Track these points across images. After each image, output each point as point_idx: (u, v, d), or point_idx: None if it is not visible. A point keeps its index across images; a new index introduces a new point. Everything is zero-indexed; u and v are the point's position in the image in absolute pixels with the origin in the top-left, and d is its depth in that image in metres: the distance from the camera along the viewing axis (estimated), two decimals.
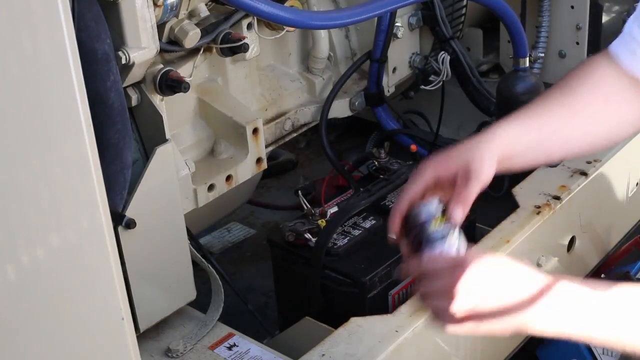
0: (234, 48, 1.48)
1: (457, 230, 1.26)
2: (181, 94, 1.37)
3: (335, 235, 1.53)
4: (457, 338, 1.51)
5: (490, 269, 1.19)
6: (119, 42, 1.26)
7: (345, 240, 1.52)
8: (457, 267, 1.18)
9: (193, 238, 1.48)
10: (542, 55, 2.05)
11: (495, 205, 1.80)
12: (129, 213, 1.29)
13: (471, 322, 1.17)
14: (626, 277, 1.84)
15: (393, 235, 1.30)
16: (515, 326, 1.17)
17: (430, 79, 1.95)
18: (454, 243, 1.24)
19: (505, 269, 1.19)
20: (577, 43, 2.03)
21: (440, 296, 1.18)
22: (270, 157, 1.93)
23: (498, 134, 1.40)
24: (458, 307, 1.16)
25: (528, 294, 1.17)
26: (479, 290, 1.16)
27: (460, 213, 1.32)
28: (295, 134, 1.79)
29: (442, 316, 1.19)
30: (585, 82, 1.42)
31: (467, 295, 1.16)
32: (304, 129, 1.80)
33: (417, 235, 1.24)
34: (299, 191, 1.73)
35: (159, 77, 1.35)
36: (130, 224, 1.28)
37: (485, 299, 1.16)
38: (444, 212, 1.27)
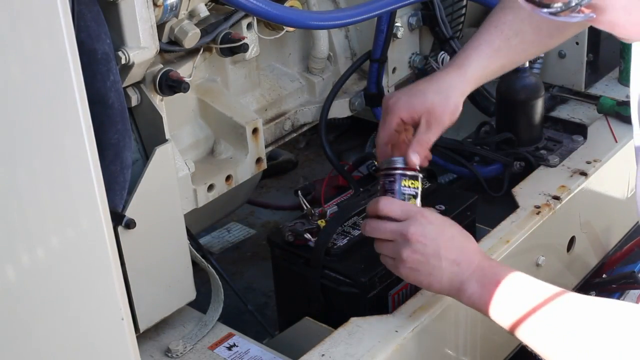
0: (233, 48, 1.48)
1: (419, 198, 1.42)
2: (181, 94, 1.37)
3: (335, 235, 1.52)
4: (457, 338, 1.51)
5: (443, 225, 1.33)
6: (119, 42, 1.26)
7: (345, 240, 1.52)
8: (410, 215, 1.33)
9: (193, 238, 1.48)
10: (542, 55, 2.05)
11: (495, 205, 1.81)
12: (129, 213, 1.29)
13: (413, 268, 1.33)
14: (631, 277, 1.84)
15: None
16: (450, 284, 1.31)
17: None
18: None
19: (455, 230, 1.35)
20: (577, 43, 2.03)
21: (392, 240, 1.34)
22: (270, 157, 1.93)
23: (469, 70, 1.52)
24: (406, 254, 1.32)
25: (472, 261, 1.30)
26: (428, 241, 1.31)
27: (417, 159, 1.45)
28: (295, 134, 1.79)
29: (393, 260, 1.35)
30: None
31: (416, 243, 1.31)
32: (304, 129, 1.80)
33: (385, 185, 1.41)
34: (299, 191, 1.73)
35: (158, 77, 1.35)
36: (130, 224, 1.28)
37: (432, 249, 1.31)
38: (414, 177, 1.41)
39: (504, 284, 1.27)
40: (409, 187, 1.41)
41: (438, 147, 1.91)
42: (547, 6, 1.09)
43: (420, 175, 1.42)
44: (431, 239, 1.32)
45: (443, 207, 1.61)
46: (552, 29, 1.56)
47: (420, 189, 1.42)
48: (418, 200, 1.43)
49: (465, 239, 1.35)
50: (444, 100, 1.48)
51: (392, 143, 1.52)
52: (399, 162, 1.43)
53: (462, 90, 1.52)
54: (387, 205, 1.37)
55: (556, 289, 1.26)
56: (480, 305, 1.30)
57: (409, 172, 1.41)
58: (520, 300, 1.26)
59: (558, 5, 1.07)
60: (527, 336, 1.25)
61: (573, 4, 1.06)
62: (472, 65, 1.53)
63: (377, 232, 1.37)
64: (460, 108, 1.51)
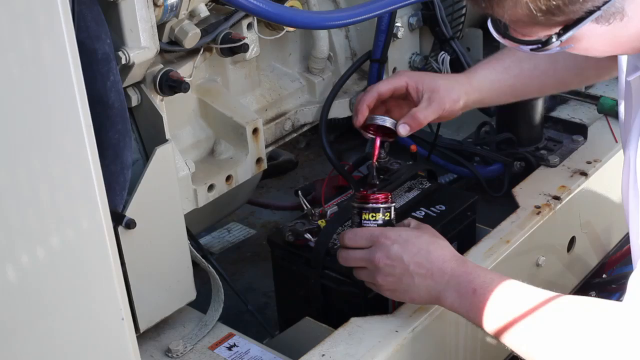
0: (234, 48, 1.48)
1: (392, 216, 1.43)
2: (181, 94, 1.37)
3: (335, 235, 1.53)
4: (457, 338, 1.51)
5: (407, 242, 1.35)
6: (119, 42, 1.26)
7: None
8: (373, 240, 1.36)
9: (193, 238, 1.48)
10: None
11: (495, 205, 1.81)
12: (129, 213, 1.29)
13: (390, 289, 1.36)
14: None
15: (357, 124, 1.55)
16: (429, 296, 1.34)
17: None
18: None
19: (422, 241, 1.36)
20: None
21: (365, 267, 1.38)
22: (270, 157, 1.93)
23: (476, 78, 1.56)
24: (380, 278, 1.36)
25: (444, 270, 1.33)
26: (395, 262, 1.34)
27: (405, 130, 1.51)
28: (295, 134, 1.79)
29: (374, 285, 1.39)
30: None
31: (384, 267, 1.34)
32: (304, 129, 1.80)
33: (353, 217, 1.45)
34: (299, 191, 1.73)
35: (159, 77, 1.35)
36: (130, 224, 1.28)
37: (400, 269, 1.34)
38: (375, 210, 1.43)
39: (479, 290, 1.28)
40: (370, 219, 1.42)
41: (438, 147, 1.91)
42: (526, 42, 1.13)
43: (384, 206, 1.43)
44: (397, 259, 1.34)
45: (443, 207, 1.62)
46: (570, 63, 1.59)
47: (384, 219, 1.42)
48: (392, 216, 1.44)
49: (433, 248, 1.35)
50: (450, 87, 1.55)
51: (374, 106, 1.57)
52: (378, 120, 1.52)
53: (466, 90, 1.57)
54: (351, 237, 1.40)
55: (534, 289, 1.26)
56: (462, 313, 1.32)
57: (368, 205, 1.42)
58: (498, 304, 1.27)
59: (537, 41, 1.12)
60: (510, 340, 1.26)
61: (553, 40, 1.10)
62: (479, 74, 1.59)
63: (348, 262, 1.41)
64: (461, 103, 1.56)
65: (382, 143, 1.58)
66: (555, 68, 1.59)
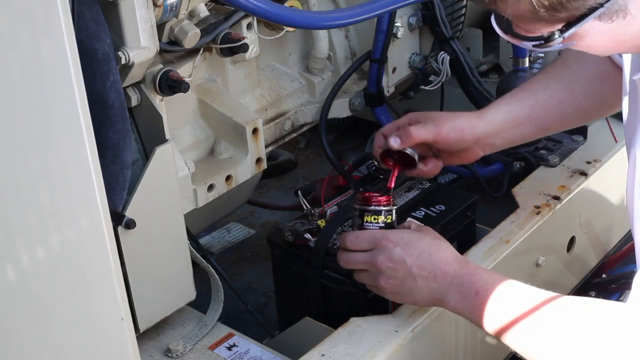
0: (233, 48, 1.48)
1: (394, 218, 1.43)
2: (181, 94, 1.37)
3: (335, 235, 1.53)
4: (457, 338, 1.51)
5: (409, 244, 1.35)
6: (119, 42, 1.26)
7: None
8: (375, 243, 1.36)
9: (193, 238, 1.48)
10: (542, 55, 2.05)
11: (495, 205, 1.81)
12: (129, 213, 1.29)
13: (393, 292, 1.36)
14: (631, 277, 1.84)
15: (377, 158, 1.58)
16: (432, 298, 1.34)
17: (430, 79, 1.95)
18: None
19: (423, 243, 1.35)
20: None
21: (366, 270, 1.37)
22: (270, 157, 1.93)
23: (488, 113, 1.59)
24: (382, 281, 1.35)
25: (446, 272, 1.33)
26: (397, 265, 1.34)
27: (396, 143, 1.52)
28: (295, 134, 1.79)
29: (375, 288, 1.38)
30: (580, 58, 1.53)
31: (387, 270, 1.34)
32: (304, 129, 1.80)
33: (354, 219, 1.44)
34: (299, 191, 1.73)
35: (158, 77, 1.35)
36: (130, 224, 1.28)
37: (403, 272, 1.33)
38: (377, 212, 1.43)
39: (482, 292, 1.29)
40: (371, 222, 1.42)
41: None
42: (529, 39, 1.12)
43: (385, 208, 1.42)
44: (400, 262, 1.34)
45: (443, 207, 1.62)
46: (587, 91, 1.57)
47: (386, 221, 1.42)
48: (393, 218, 1.43)
49: (435, 250, 1.35)
50: (453, 116, 1.55)
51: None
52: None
53: (472, 123, 1.55)
54: (353, 240, 1.40)
55: (536, 290, 1.26)
56: (465, 315, 1.32)
57: (370, 208, 1.42)
58: (500, 306, 1.27)
59: (540, 37, 1.11)
60: (512, 341, 1.26)
61: (556, 37, 1.10)
62: (492, 108, 1.58)
63: (350, 264, 1.41)
64: (465, 134, 1.55)
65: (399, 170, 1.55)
66: (573, 97, 1.57)
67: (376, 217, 1.41)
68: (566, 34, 1.09)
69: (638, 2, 1.07)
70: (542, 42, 1.11)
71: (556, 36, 1.10)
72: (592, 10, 1.06)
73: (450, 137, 1.54)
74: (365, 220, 1.42)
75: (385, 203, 1.42)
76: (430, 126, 1.53)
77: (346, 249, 1.40)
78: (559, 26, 1.09)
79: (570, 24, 1.08)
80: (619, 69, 1.50)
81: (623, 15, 1.07)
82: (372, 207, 1.41)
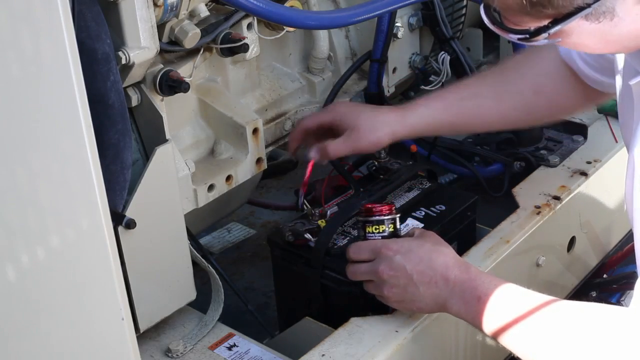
0: (234, 48, 1.48)
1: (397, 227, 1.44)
2: (181, 94, 1.37)
3: (335, 235, 1.53)
4: (457, 338, 1.51)
5: (409, 251, 1.36)
6: (119, 42, 1.26)
7: (345, 241, 1.52)
8: (376, 252, 1.37)
9: (193, 238, 1.48)
10: None
11: (495, 205, 1.80)
12: (129, 213, 1.29)
13: (397, 300, 1.37)
14: (632, 277, 1.84)
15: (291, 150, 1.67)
16: (436, 304, 1.34)
17: (430, 79, 1.95)
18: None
19: (423, 250, 1.36)
20: None
21: (371, 279, 1.38)
22: (270, 157, 1.93)
23: (410, 117, 1.62)
24: (385, 290, 1.36)
25: (447, 277, 1.33)
26: (399, 273, 1.34)
27: (315, 156, 1.61)
28: None
29: (381, 297, 1.39)
30: (519, 69, 1.55)
31: (389, 279, 1.35)
32: None
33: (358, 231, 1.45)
34: (299, 191, 1.72)
35: (159, 77, 1.35)
36: (130, 224, 1.28)
37: (405, 279, 1.34)
38: (379, 222, 1.43)
39: (483, 298, 1.29)
40: (374, 232, 1.42)
41: (438, 147, 1.91)
42: (515, 32, 1.12)
43: (388, 217, 1.43)
44: (401, 270, 1.35)
45: (443, 207, 1.62)
46: (518, 103, 1.60)
47: (389, 230, 1.42)
48: (396, 227, 1.44)
49: (436, 256, 1.35)
50: (373, 128, 1.59)
51: (308, 133, 1.65)
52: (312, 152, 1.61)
53: (393, 130, 1.60)
54: (355, 251, 1.41)
55: (537, 295, 1.27)
56: (468, 321, 1.32)
57: (371, 218, 1.43)
58: (502, 311, 1.27)
59: (526, 31, 1.11)
60: (515, 346, 1.26)
61: (542, 32, 1.10)
62: (415, 113, 1.61)
63: (355, 275, 1.41)
64: (383, 144, 1.62)
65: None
66: (501, 106, 1.60)
67: (377, 226, 1.42)
68: (552, 31, 1.09)
69: (626, 4, 1.06)
70: (528, 36, 1.11)
71: (542, 32, 1.10)
72: (579, 9, 1.06)
73: (368, 149, 1.62)
74: (367, 232, 1.42)
75: (387, 212, 1.42)
76: (349, 142, 1.59)
77: (350, 260, 1.41)
78: (546, 22, 1.09)
79: (556, 20, 1.08)
80: (574, 74, 1.53)
81: (610, 17, 1.07)
82: (374, 218, 1.42)
